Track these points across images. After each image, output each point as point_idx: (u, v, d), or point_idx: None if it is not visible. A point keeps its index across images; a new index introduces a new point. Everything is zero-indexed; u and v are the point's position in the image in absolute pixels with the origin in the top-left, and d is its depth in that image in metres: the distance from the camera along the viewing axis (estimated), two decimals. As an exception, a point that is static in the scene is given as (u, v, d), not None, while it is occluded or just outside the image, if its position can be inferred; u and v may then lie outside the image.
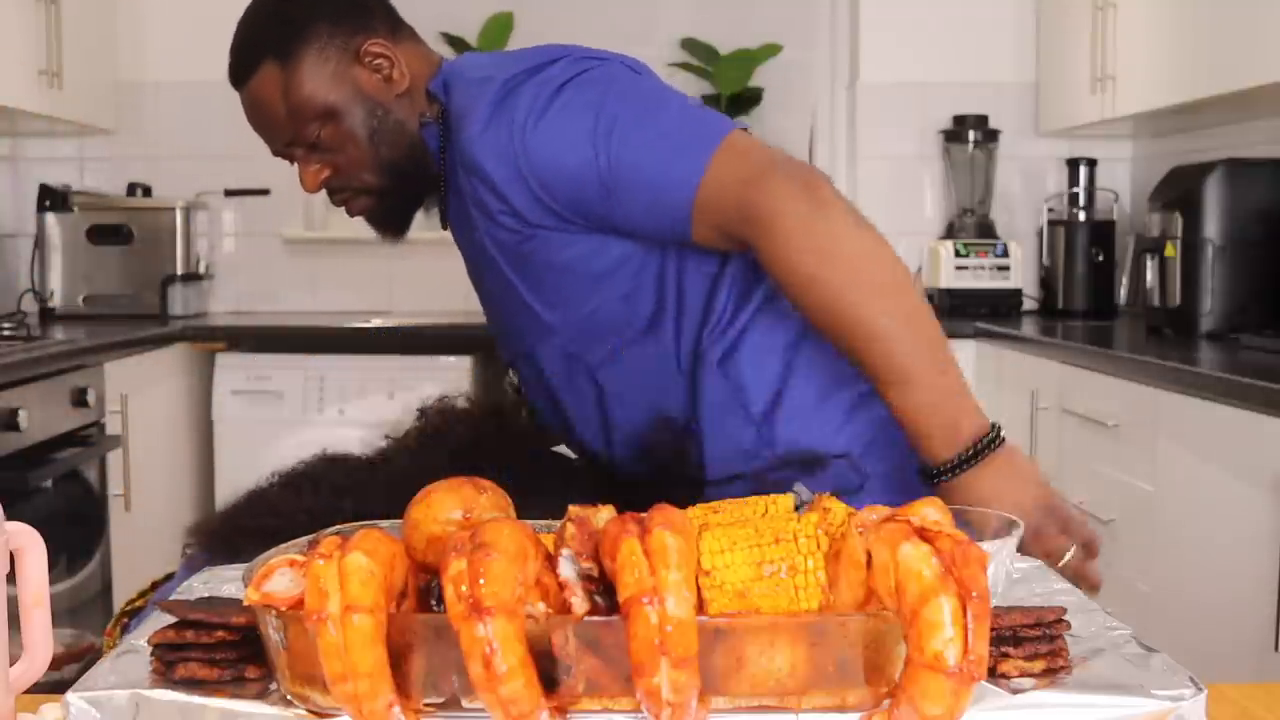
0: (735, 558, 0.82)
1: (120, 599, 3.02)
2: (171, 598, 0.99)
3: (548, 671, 0.77)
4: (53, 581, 1.38)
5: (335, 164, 1.55)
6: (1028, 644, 0.86)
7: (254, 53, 1.55)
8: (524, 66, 1.46)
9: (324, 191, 1.59)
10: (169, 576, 1.54)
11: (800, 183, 1.37)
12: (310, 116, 1.53)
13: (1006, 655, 0.85)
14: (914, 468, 1.42)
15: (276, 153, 1.59)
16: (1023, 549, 1.13)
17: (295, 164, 1.57)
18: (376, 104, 1.54)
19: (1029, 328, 3.49)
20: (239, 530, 1.42)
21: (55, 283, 3.73)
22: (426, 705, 0.79)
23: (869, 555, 0.80)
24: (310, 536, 0.96)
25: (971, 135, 3.97)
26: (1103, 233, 3.91)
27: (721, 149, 1.38)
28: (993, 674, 0.84)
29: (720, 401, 1.51)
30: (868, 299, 1.36)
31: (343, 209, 1.62)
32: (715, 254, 1.49)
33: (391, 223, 1.63)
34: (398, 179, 1.57)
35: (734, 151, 1.38)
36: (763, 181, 1.36)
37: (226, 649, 0.85)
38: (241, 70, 1.56)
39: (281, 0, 1.58)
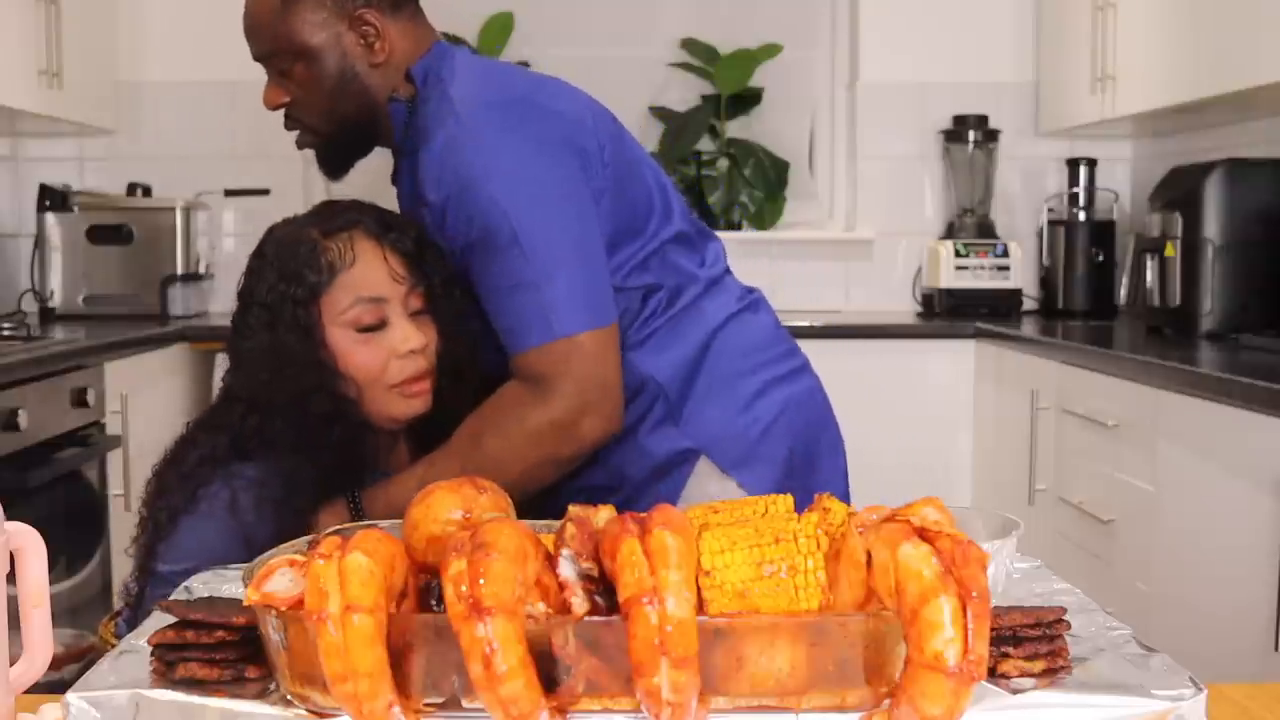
0: (735, 558, 0.82)
1: (120, 599, 3.02)
2: (171, 598, 0.99)
3: (548, 671, 0.77)
4: (53, 581, 1.38)
5: (295, 98, 1.69)
6: (1028, 644, 0.86)
7: None
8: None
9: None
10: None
11: None
12: (289, 49, 1.65)
13: (1006, 655, 0.85)
14: (810, 450, 1.75)
15: (255, 58, 1.70)
16: None
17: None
18: (350, 65, 1.66)
19: (1029, 328, 3.49)
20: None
21: (55, 283, 3.73)
22: (426, 705, 0.79)
23: (869, 555, 0.80)
24: (310, 537, 0.96)
25: (971, 135, 3.97)
26: (1103, 233, 3.91)
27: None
28: (993, 674, 0.84)
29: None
30: None
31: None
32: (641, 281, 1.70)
33: (329, 164, 1.77)
34: (344, 133, 1.71)
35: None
36: None
37: (226, 649, 0.85)
38: None
39: None
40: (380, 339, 1.54)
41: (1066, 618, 0.89)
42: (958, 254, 3.87)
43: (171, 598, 0.98)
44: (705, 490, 1.69)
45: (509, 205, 1.55)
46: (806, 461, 1.77)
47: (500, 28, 4.03)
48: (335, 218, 1.58)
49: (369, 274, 1.54)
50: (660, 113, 4.11)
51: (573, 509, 0.86)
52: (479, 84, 1.65)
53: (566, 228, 1.59)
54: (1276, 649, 2.05)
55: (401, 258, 1.56)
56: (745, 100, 4.11)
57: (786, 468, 1.73)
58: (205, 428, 1.59)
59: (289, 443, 1.50)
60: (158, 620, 0.92)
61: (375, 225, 1.56)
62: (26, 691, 0.90)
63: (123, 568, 3.07)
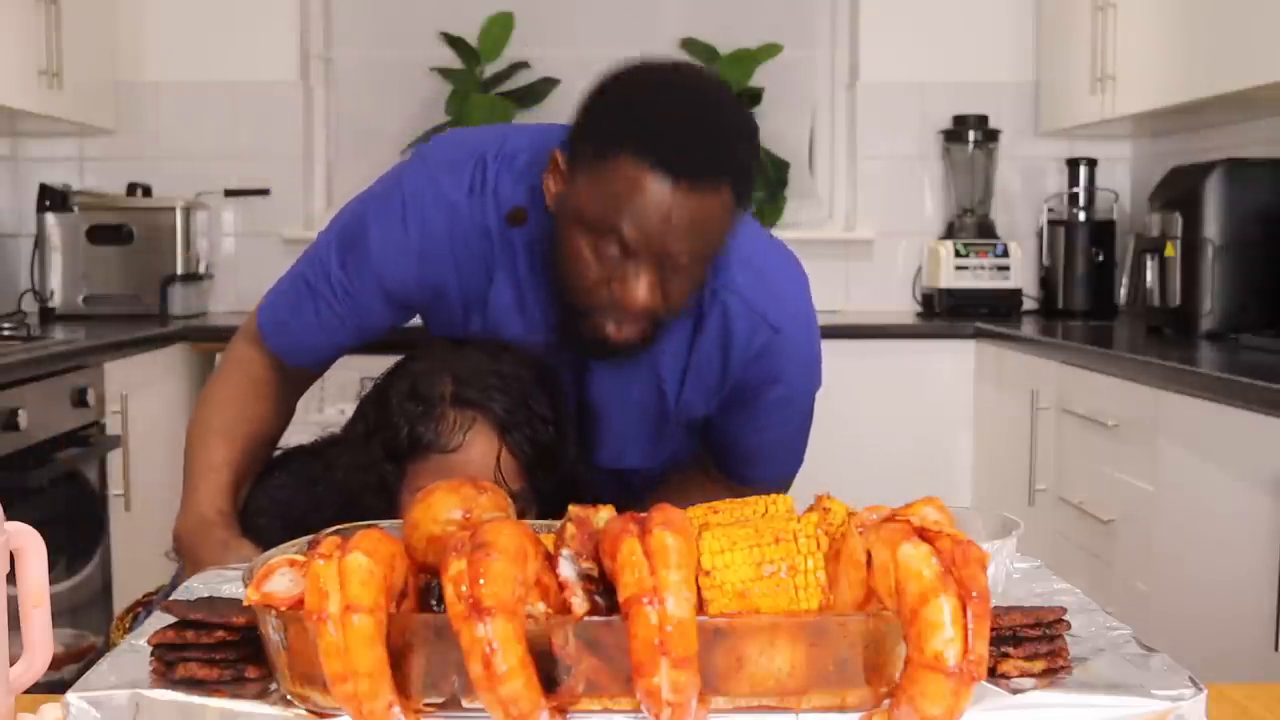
0: (735, 558, 0.82)
1: (120, 599, 3.02)
2: (171, 598, 0.99)
3: (548, 671, 0.77)
4: (53, 581, 1.38)
5: (670, 294, 1.42)
6: (1028, 644, 0.86)
7: (719, 172, 1.38)
8: None
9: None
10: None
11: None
12: (710, 255, 1.43)
13: (1006, 655, 0.85)
14: None
15: (647, 253, 1.38)
16: None
17: (627, 272, 1.39)
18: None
19: (1029, 328, 3.49)
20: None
21: (55, 283, 3.72)
22: (426, 705, 0.79)
23: (869, 555, 0.80)
24: (310, 537, 0.96)
25: (971, 135, 3.97)
26: (1103, 233, 3.91)
27: None
28: (993, 674, 0.84)
29: None
30: None
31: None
32: None
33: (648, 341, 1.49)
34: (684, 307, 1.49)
35: None
36: None
37: (226, 649, 0.85)
38: (699, 176, 1.36)
39: (752, 143, 1.47)
40: None
41: (1066, 618, 0.89)
42: (958, 254, 3.87)
43: (171, 597, 0.98)
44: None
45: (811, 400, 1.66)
46: None
47: (500, 28, 4.03)
48: (475, 381, 1.39)
49: (467, 468, 1.35)
50: (660, 113, 4.10)
51: (573, 509, 0.86)
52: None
53: None
54: (1276, 649, 2.05)
55: (515, 461, 1.39)
56: (745, 100, 4.11)
57: None
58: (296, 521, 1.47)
59: None
60: (158, 620, 0.92)
61: (503, 414, 1.38)
62: (26, 691, 0.90)
63: (122, 568, 3.07)
